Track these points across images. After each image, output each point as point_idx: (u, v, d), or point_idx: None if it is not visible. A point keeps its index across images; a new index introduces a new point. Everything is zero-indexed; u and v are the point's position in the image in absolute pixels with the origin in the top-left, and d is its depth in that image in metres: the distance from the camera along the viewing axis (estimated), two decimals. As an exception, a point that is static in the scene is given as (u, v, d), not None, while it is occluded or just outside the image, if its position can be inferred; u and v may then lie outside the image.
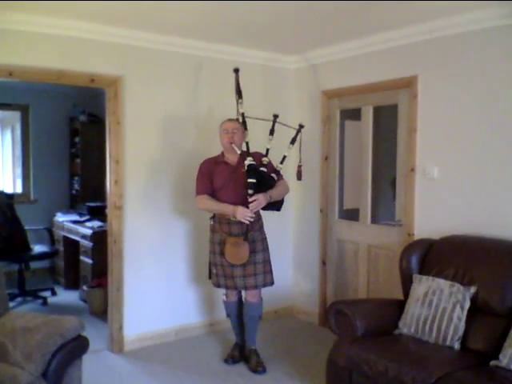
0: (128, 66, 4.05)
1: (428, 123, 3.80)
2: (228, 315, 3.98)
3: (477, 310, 3.01)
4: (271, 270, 3.80)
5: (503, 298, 2.94)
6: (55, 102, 6.73)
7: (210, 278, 3.89)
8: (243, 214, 3.54)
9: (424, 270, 3.33)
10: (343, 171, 4.75)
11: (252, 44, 4.44)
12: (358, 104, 4.44)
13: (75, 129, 6.81)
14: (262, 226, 3.81)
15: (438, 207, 3.76)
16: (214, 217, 3.78)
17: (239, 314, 3.92)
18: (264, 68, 4.82)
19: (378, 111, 4.38)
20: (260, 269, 3.71)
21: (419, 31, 3.75)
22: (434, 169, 3.76)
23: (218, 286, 3.82)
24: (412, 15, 3.51)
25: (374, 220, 4.48)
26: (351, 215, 4.66)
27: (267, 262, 3.77)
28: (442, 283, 3.10)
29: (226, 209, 3.62)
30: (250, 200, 3.54)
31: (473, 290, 3.00)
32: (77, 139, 6.76)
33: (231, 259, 3.64)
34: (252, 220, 3.58)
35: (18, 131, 6.75)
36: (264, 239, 3.80)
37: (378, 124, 4.43)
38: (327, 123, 4.69)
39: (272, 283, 3.80)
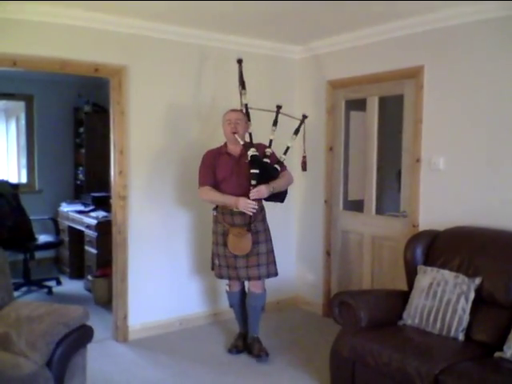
0: (132, 55, 4.03)
1: (434, 114, 3.78)
2: (231, 305, 3.99)
3: (481, 302, 3.00)
4: (275, 261, 3.79)
5: (508, 289, 2.93)
6: (60, 91, 6.71)
7: (212, 269, 3.90)
8: (245, 205, 3.53)
9: (429, 261, 3.32)
10: (348, 162, 4.73)
11: (257, 34, 4.41)
12: (363, 94, 4.41)
13: (80, 119, 6.80)
14: (264, 217, 3.80)
15: (444, 198, 3.74)
16: (216, 208, 3.77)
17: (242, 304, 3.92)
18: (269, 58, 4.78)
19: (383, 101, 4.35)
20: (263, 259, 3.70)
21: (425, 21, 3.72)
22: (440, 160, 3.73)
23: (221, 277, 3.82)
24: (418, 5, 3.46)
25: (379, 211, 4.46)
26: (356, 206, 4.65)
27: (270, 252, 3.77)
28: (447, 274, 3.09)
29: (228, 200, 3.61)
30: (251, 190, 3.53)
31: (477, 281, 2.99)
32: (81, 129, 6.75)
33: (234, 250, 3.64)
34: (255, 211, 3.57)
35: (23, 121, 6.74)
36: (267, 230, 3.79)
37: (384, 114, 4.39)
38: (332, 113, 4.67)
39: (276, 274, 3.79)
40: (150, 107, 4.16)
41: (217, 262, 3.79)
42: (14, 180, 6.50)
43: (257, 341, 3.88)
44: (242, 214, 3.59)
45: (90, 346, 2.88)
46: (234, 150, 3.74)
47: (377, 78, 4.20)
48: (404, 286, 3.48)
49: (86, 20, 3.76)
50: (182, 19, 3.95)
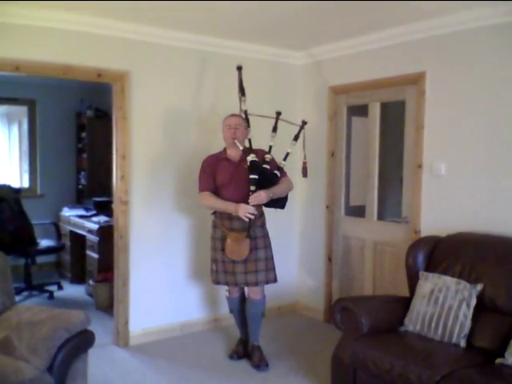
0: (135, 60, 4.05)
1: (436, 120, 3.78)
2: (231, 311, 3.98)
3: (483, 308, 2.99)
4: (274, 268, 3.76)
5: (510, 295, 2.92)
6: (62, 96, 6.74)
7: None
8: (245, 211, 3.52)
9: (430, 267, 3.32)
10: (349, 167, 4.74)
11: (258, 40, 4.42)
12: (365, 100, 4.42)
13: (82, 124, 6.82)
14: (264, 223, 3.79)
15: (445, 204, 3.74)
16: (215, 212, 3.77)
17: (242, 310, 3.90)
18: (271, 64, 4.80)
19: (385, 107, 4.35)
20: (262, 266, 3.69)
21: (427, 27, 3.72)
22: (442, 166, 3.74)
23: (218, 282, 3.80)
24: (420, 11, 3.48)
25: (381, 217, 4.46)
26: (357, 212, 4.64)
27: (270, 258, 3.75)
28: (449, 280, 3.08)
29: (228, 206, 3.60)
30: (250, 196, 3.53)
31: (479, 287, 2.99)
32: (83, 134, 6.77)
33: (231, 255, 3.62)
34: (253, 217, 3.56)
35: (25, 126, 6.76)
36: (266, 236, 3.77)
37: (385, 120, 4.40)
38: (334, 119, 4.67)
39: (275, 280, 3.77)
40: (152, 112, 4.17)
41: (214, 267, 3.77)
42: (15, 184, 6.48)
43: (257, 349, 3.85)
44: (241, 218, 3.58)
45: (91, 351, 2.87)
46: (234, 155, 3.74)
47: (379, 84, 4.20)
48: (405, 292, 3.48)
49: (89, 25, 3.77)
50: (185, 25, 3.96)
